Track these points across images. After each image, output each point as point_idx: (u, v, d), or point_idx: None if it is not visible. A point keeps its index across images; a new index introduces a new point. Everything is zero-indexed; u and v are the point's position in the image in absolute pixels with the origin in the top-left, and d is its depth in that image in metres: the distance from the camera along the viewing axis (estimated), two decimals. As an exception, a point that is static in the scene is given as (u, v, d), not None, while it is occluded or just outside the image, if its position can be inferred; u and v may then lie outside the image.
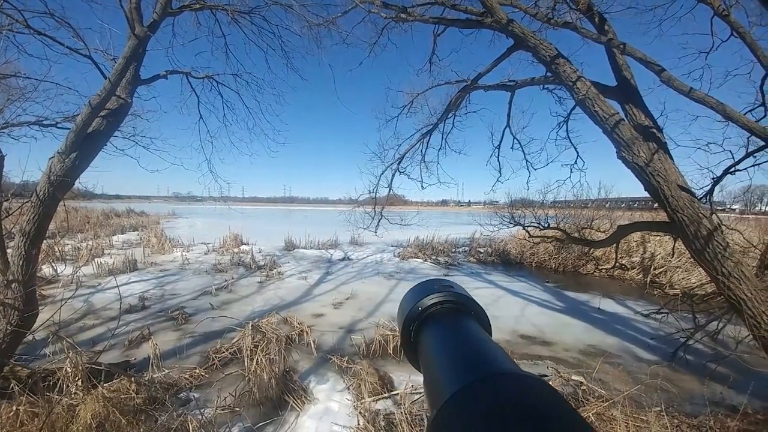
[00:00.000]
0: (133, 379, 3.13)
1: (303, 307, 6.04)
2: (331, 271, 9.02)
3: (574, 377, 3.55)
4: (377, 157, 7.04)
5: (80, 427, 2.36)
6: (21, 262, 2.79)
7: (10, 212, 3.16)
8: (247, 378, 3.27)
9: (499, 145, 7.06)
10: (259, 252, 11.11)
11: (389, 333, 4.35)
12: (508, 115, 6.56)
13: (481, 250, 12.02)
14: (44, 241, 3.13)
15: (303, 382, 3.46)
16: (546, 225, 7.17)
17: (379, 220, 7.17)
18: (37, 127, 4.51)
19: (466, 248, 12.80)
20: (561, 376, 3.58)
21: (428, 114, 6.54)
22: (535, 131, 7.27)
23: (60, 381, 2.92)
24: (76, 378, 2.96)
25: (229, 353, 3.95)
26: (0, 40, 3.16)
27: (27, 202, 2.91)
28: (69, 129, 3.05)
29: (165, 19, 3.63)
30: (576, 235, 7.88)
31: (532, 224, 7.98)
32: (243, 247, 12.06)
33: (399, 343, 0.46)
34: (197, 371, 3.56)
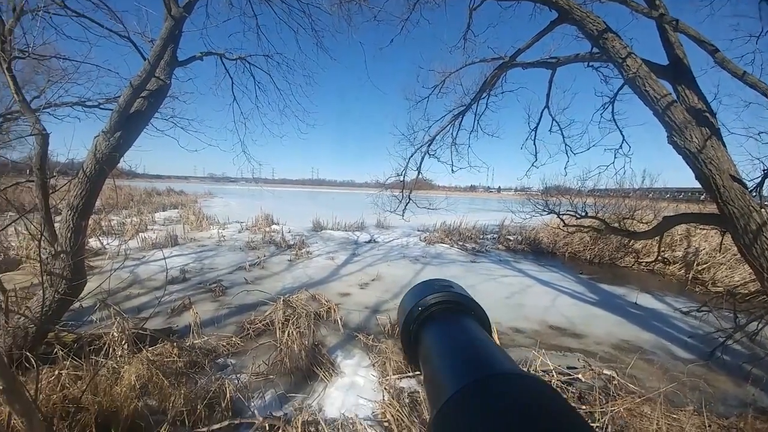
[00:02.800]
0: (175, 344, 3.39)
1: (330, 285, 6.22)
2: (358, 253, 9.17)
3: (605, 371, 3.43)
4: (406, 139, 6.93)
5: (124, 388, 2.52)
6: (69, 235, 2.97)
7: (57, 188, 3.35)
8: (278, 348, 3.45)
9: (536, 127, 6.72)
10: (289, 232, 11.47)
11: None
12: (548, 95, 6.19)
13: (511, 238, 11.70)
14: (92, 217, 3.36)
15: (331, 356, 3.60)
16: (583, 214, 6.83)
17: (407, 204, 7.13)
18: (81, 108, 4.81)
19: (495, 235, 12.51)
20: (592, 369, 3.46)
21: (461, 94, 6.30)
22: (576, 113, 6.83)
23: (106, 345, 3.11)
24: (123, 342, 3.14)
25: (262, 325, 4.17)
26: (37, 22, 3.31)
27: (74, 178, 3.07)
28: (111, 110, 3.22)
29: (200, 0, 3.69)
30: (616, 225, 7.46)
31: (568, 212, 7.64)
32: (274, 226, 12.50)
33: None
34: (233, 339, 3.80)
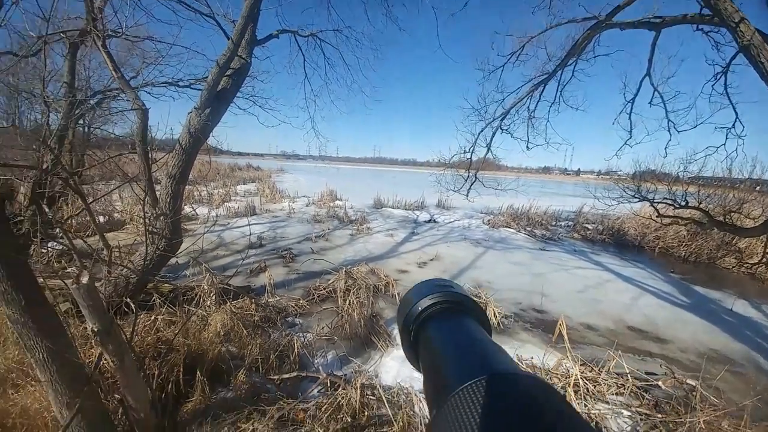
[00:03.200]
0: (253, 300, 3.82)
1: (389, 261, 6.35)
2: (417, 232, 9.16)
3: (689, 381, 3.05)
4: (477, 113, 6.47)
5: (210, 334, 2.93)
6: (168, 199, 3.44)
7: (157, 160, 3.84)
8: (340, 315, 3.67)
9: (634, 98, 5.78)
10: (351, 208, 11.91)
11: (474, 299, 4.26)
12: (650, 61, 5.24)
13: (589, 227, 10.54)
14: (186, 186, 3.83)
15: (387, 328, 3.71)
16: (683, 203, 5.81)
17: (473, 183, 6.78)
18: (174, 88, 5.44)
19: (570, 223, 11.39)
20: (674, 378, 3.07)
21: (543, 61, 5.62)
22: (683, 83, 5.68)
23: (197, 296, 3.62)
24: (211, 294, 3.64)
25: (326, 291, 4.46)
26: (126, 1, 3.69)
27: (172, 151, 3.51)
28: (200, 90, 3.56)
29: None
30: (721, 219, 6.23)
31: (665, 200, 6.57)
32: (337, 202, 13.09)
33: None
34: (301, 302, 4.14)
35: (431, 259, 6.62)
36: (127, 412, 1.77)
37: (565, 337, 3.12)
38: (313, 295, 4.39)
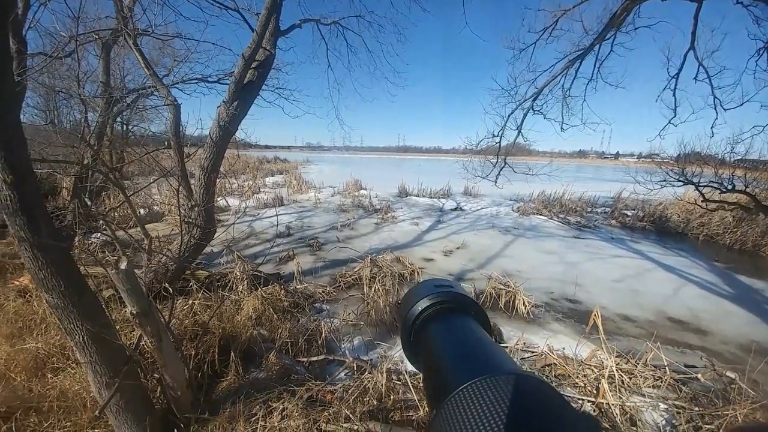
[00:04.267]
0: (282, 286, 3.95)
1: (414, 250, 6.32)
2: (443, 220, 9.03)
3: (728, 373, 2.87)
4: (506, 94, 6.16)
5: (243, 318, 3.09)
6: (201, 191, 3.58)
7: (190, 155, 4.04)
8: (366, 302, 3.71)
9: (678, 73, 5.28)
10: (376, 197, 11.94)
11: (502, 287, 4.16)
12: (693, 34, 4.76)
13: (628, 213, 9.91)
14: (218, 180, 3.97)
15: (413, 316, 3.72)
16: (730, 187, 5.28)
17: (502, 168, 6.51)
18: (204, 84, 5.60)
19: (607, 209, 10.77)
20: (714, 370, 2.91)
21: (579, 35, 5.23)
22: (728, 58, 5.12)
23: (230, 282, 3.83)
24: (243, 280, 3.83)
25: (352, 279, 4.52)
26: (154, 3, 3.79)
27: (203, 144, 3.64)
28: (228, 84, 3.63)
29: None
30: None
31: (711, 183, 6.06)
32: (362, 191, 13.16)
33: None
34: (328, 289, 4.24)
35: (457, 248, 6.52)
36: (165, 390, 1.91)
37: (600, 327, 2.98)
38: (340, 282, 4.47)
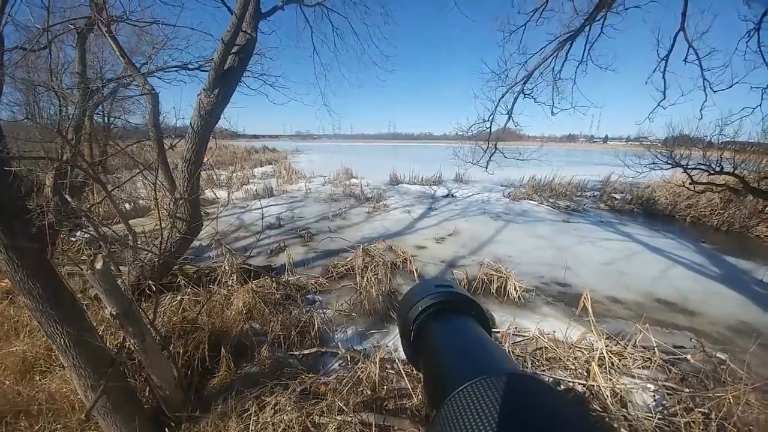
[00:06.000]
0: (273, 279, 3.90)
1: (406, 238, 6.31)
2: (434, 207, 9.03)
3: (718, 354, 2.96)
4: (497, 77, 6.06)
5: (233, 312, 3.04)
6: (185, 183, 3.43)
7: (173, 144, 3.85)
8: (358, 291, 3.70)
9: (668, 55, 5.23)
10: (367, 185, 11.83)
11: (494, 273, 4.19)
12: (683, 15, 4.71)
13: (617, 196, 10.04)
14: (205, 172, 3.86)
15: (406, 304, 3.72)
16: (718, 169, 5.32)
17: (492, 154, 6.47)
18: (185, 72, 5.39)
19: (597, 193, 10.89)
20: (704, 351, 2.98)
21: (570, 16, 5.14)
22: (718, 40, 5.13)
23: (219, 277, 3.75)
24: (232, 274, 3.77)
25: (344, 269, 4.50)
26: None
27: (184, 135, 3.48)
28: (208, 70, 3.48)
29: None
30: (755, 185, 5.79)
31: (699, 165, 6.16)
32: (353, 180, 13.02)
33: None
34: (320, 280, 4.20)
35: (449, 234, 6.53)
36: (153, 390, 1.87)
37: (590, 310, 3.02)
38: (332, 272, 4.43)
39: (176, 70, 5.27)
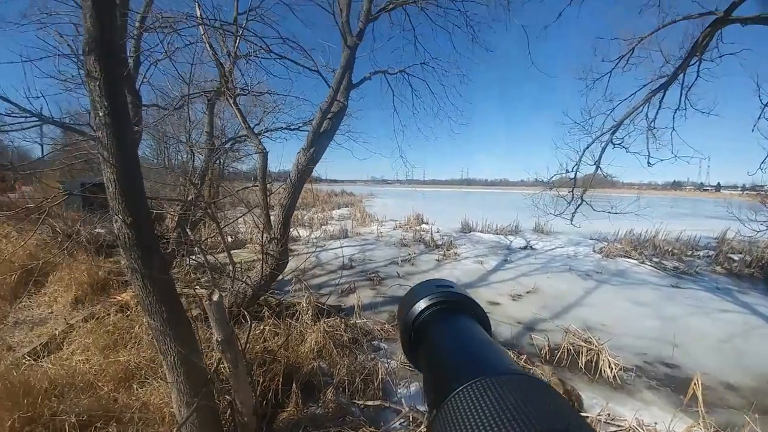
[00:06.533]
0: (343, 320, 4.03)
1: (478, 291, 5.98)
2: (510, 260, 8.46)
3: None
4: (580, 127, 5.79)
5: (306, 349, 3.18)
6: (279, 226, 3.95)
7: (273, 191, 4.44)
8: (424, 345, 3.56)
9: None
10: (437, 232, 11.77)
11: (582, 344, 3.66)
12: None
13: (735, 257, 8.16)
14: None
15: (476, 365, 3.44)
16: None
17: (578, 206, 5.96)
18: (287, 131, 6.40)
19: (710, 252, 9.01)
20: None
21: (659, 63, 4.79)
22: None
23: (297, 312, 3.99)
24: (308, 311, 3.98)
25: (411, 318, 4.41)
26: (250, 66, 4.47)
27: (284, 184, 4.07)
28: (307, 131, 4.09)
29: (368, 25, 4.20)
30: None
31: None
32: (423, 225, 13.12)
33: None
34: (386, 326, 4.20)
35: (528, 292, 5.98)
36: (234, 414, 2.03)
37: (700, 399, 2.42)
38: (395, 320, 4.39)
39: (281, 131, 6.31)
